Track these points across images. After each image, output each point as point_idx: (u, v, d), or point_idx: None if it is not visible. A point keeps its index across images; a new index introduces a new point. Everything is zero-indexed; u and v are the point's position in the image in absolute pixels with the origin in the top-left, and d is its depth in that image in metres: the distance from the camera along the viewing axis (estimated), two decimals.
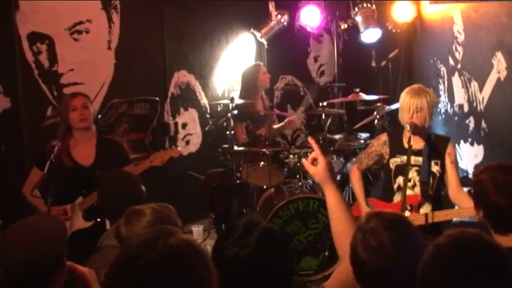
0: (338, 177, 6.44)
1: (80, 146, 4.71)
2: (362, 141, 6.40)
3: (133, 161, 5.10)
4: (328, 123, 6.31)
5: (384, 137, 4.80)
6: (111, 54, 6.37)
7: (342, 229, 2.67)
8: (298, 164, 5.98)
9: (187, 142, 7.18)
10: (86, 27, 6.11)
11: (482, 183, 2.87)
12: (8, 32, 5.57)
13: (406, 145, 4.52)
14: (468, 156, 6.53)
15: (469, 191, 4.36)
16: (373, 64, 7.97)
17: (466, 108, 6.56)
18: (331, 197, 2.75)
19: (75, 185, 4.61)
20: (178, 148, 5.19)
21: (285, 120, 6.74)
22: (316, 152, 2.80)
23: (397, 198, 4.58)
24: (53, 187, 4.29)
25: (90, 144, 4.75)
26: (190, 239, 1.95)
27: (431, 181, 4.53)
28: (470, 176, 6.45)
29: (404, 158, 4.52)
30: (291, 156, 6.04)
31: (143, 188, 3.73)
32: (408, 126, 4.38)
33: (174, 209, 2.99)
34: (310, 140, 2.95)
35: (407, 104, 4.46)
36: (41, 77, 5.84)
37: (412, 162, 4.46)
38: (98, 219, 4.53)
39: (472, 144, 6.47)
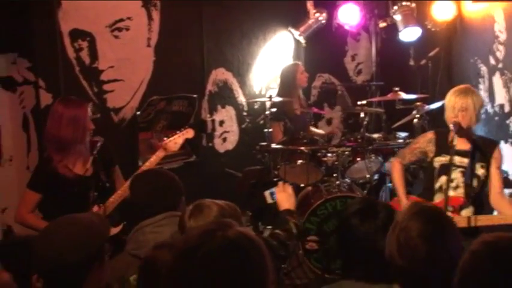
0: (376, 177, 6.41)
1: (74, 155, 4.43)
2: (401, 140, 6.36)
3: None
4: (366, 122, 6.27)
5: (430, 134, 4.74)
6: (151, 51, 6.41)
7: None
8: (336, 163, 5.96)
9: (224, 139, 7.20)
10: (126, 24, 6.15)
11: None
12: (50, 29, 5.63)
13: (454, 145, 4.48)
14: (508, 157, 6.43)
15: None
16: (412, 63, 7.89)
17: (507, 109, 6.47)
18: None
19: (83, 196, 4.33)
20: (191, 129, 4.88)
21: (327, 132, 6.75)
22: None
23: (438, 198, 4.53)
24: (95, 184, 4.33)
25: (83, 151, 4.47)
26: (248, 231, 1.97)
27: (475, 184, 4.47)
28: (510, 177, 6.37)
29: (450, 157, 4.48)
30: (329, 154, 6.03)
31: (180, 182, 3.66)
32: (452, 125, 4.33)
33: (239, 209, 2.99)
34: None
35: (452, 103, 4.41)
36: (81, 73, 5.90)
37: (457, 163, 4.40)
38: (124, 223, 4.46)
39: None
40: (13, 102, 5.61)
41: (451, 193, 4.39)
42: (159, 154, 4.65)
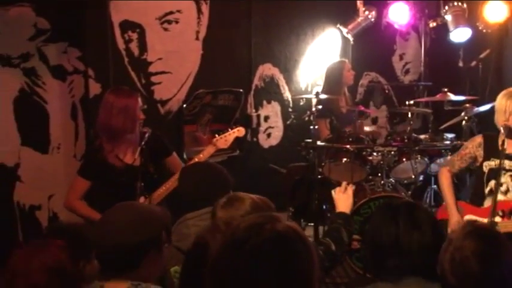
0: (421, 178, 6.34)
1: (124, 145, 4.48)
2: (448, 142, 6.26)
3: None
4: (412, 122, 6.21)
5: (479, 138, 4.66)
6: (199, 44, 6.43)
7: None
8: (382, 162, 5.91)
9: (269, 135, 7.19)
10: (176, 17, 6.19)
11: None
12: (101, 20, 5.69)
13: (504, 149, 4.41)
14: None
15: None
16: (461, 64, 7.80)
17: None
18: None
19: (130, 185, 4.35)
20: (242, 128, 4.90)
21: (372, 130, 6.71)
22: None
23: (488, 202, 4.45)
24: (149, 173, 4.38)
25: (134, 142, 4.49)
26: (296, 226, 1.96)
27: None
28: None
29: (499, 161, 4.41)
30: (374, 153, 5.99)
31: (230, 177, 3.67)
32: (502, 129, 4.25)
33: (273, 204, 2.98)
34: None
35: (503, 106, 4.32)
36: (130, 64, 5.94)
37: (507, 167, 4.31)
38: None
39: None
40: (62, 91, 5.67)
41: (501, 197, 4.32)
42: (209, 150, 4.68)
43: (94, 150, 4.51)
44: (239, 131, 4.82)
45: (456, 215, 4.52)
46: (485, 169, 4.49)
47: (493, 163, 4.44)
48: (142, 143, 4.36)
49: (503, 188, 4.36)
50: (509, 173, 4.38)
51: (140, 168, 4.33)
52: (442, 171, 4.82)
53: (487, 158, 4.49)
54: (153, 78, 6.12)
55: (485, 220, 4.25)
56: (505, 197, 4.38)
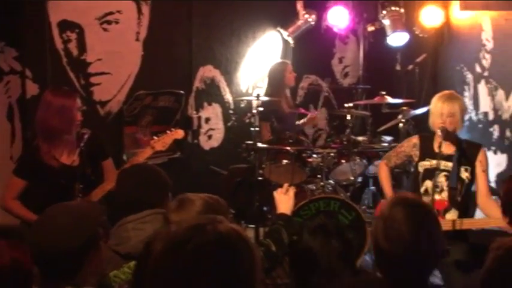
0: (359, 179, 6.45)
1: (62, 146, 4.44)
2: (386, 144, 6.40)
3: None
4: (351, 125, 6.31)
5: (414, 139, 4.80)
6: (139, 45, 6.39)
7: None
8: (321, 164, 5.98)
9: (210, 137, 7.19)
10: (116, 17, 6.13)
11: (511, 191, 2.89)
12: (39, 19, 5.60)
13: (436, 149, 4.54)
14: (491, 164, 6.47)
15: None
16: (398, 68, 7.94)
17: (491, 116, 6.53)
18: None
19: (69, 187, 4.33)
20: (181, 130, 4.88)
21: (307, 117, 6.77)
22: None
23: None
24: (81, 175, 4.32)
25: (71, 142, 4.47)
26: (239, 228, 1.97)
27: (459, 187, 4.52)
28: (492, 184, 6.43)
29: (434, 162, 4.53)
30: (314, 155, 6.06)
31: (168, 178, 3.64)
32: (439, 131, 4.37)
33: (224, 202, 2.98)
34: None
35: (439, 109, 4.44)
36: (69, 65, 5.87)
37: (442, 167, 4.45)
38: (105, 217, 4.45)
39: (495, 152, 6.45)
40: None
41: (436, 197, 4.45)
42: (147, 152, 4.63)
43: (30, 150, 4.46)
44: (177, 133, 4.79)
45: None
46: (421, 169, 4.63)
47: (428, 163, 4.59)
48: (82, 144, 4.31)
49: (438, 188, 4.49)
50: (443, 173, 4.51)
51: (78, 169, 4.29)
52: (380, 165, 4.98)
53: (422, 158, 4.64)
54: (93, 79, 6.06)
55: None
56: (440, 197, 4.51)
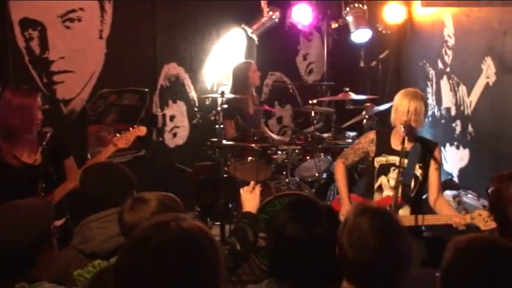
0: (324, 176, 6.49)
1: (22, 144, 4.38)
2: (350, 140, 6.45)
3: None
4: (316, 121, 6.34)
5: (371, 134, 4.82)
6: (103, 43, 6.35)
7: None
8: (286, 161, 6.00)
9: (175, 135, 7.18)
10: (78, 15, 6.09)
11: (500, 194, 2.91)
12: (1, 17, 5.53)
13: (393, 145, 4.60)
14: (453, 159, 6.59)
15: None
16: (362, 64, 8.02)
17: (453, 112, 6.62)
18: None
19: (31, 186, 4.25)
20: (143, 127, 4.80)
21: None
22: None
23: (377, 197, 4.63)
24: (48, 173, 4.28)
25: (31, 141, 4.41)
26: (202, 224, 1.98)
27: (413, 184, 4.56)
28: (455, 179, 6.53)
29: (390, 157, 4.57)
30: (279, 152, 6.07)
31: (133, 176, 3.63)
32: (402, 127, 4.39)
33: (180, 200, 2.98)
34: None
35: (405, 106, 4.44)
36: (31, 63, 5.81)
37: (396, 163, 4.45)
38: (68, 216, 4.43)
39: (457, 147, 6.54)
40: None
41: (389, 192, 4.50)
42: (109, 150, 4.58)
43: None
44: (140, 130, 4.74)
45: (347, 205, 4.66)
46: (376, 164, 4.66)
47: (383, 159, 4.63)
48: (44, 142, 4.27)
49: (391, 184, 4.52)
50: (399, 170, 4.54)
51: (40, 168, 4.25)
52: (336, 163, 4.97)
53: (378, 153, 4.67)
54: (55, 77, 6.00)
55: None
56: (391, 193, 4.52)
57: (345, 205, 4.69)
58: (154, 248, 1.83)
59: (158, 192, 2.96)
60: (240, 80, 6.72)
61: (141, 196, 2.91)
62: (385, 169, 4.60)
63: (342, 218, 4.60)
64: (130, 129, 4.70)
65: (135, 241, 1.90)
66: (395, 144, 4.56)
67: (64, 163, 4.55)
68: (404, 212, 4.51)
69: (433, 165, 4.59)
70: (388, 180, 4.58)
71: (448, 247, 2.12)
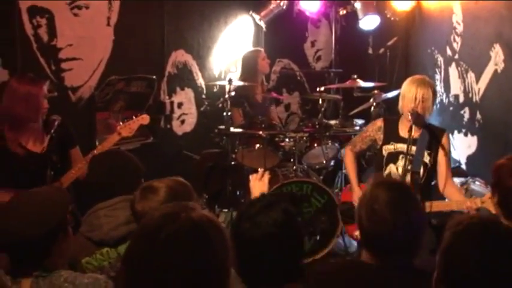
0: (332, 163, 6.49)
1: (28, 133, 4.40)
2: (358, 127, 6.45)
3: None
4: (323, 109, 6.34)
5: (379, 122, 4.81)
6: (110, 30, 6.34)
7: None
8: (294, 148, 6.01)
9: (183, 122, 7.18)
10: (86, 2, 6.07)
11: (501, 169, 2.97)
12: (9, 5, 5.54)
13: (401, 133, 4.58)
14: (461, 146, 6.58)
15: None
16: (370, 51, 7.99)
17: (461, 99, 6.60)
18: None
19: (40, 174, 4.30)
20: (146, 115, 4.84)
21: None
22: None
23: None
24: (53, 162, 4.29)
25: (37, 130, 4.44)
26: (211, 215, 1.99)
27: (422, 171, 4.55)
28: (463, 166, 6.52)
29: (398, 145, 4.57)
30: (287, 139, 6.08)
31: (140, 164, 3.64)
32: (410, 115, 4.38)
33: (190, 185, 2.99)
34: None
35: (412, 94, 4.43)
36: (39, 50, 5.80)
37: (405, 151, 4.45)
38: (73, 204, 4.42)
39: (466, 135, 6.52)
40: None
41: None
42: (114, 138, 4.60)
43: None
44: (143, 119, 4.77)
45: (358, 192, 4.71)
46: (385, 153, 4.65)
47: (392, 147, 4.62)
48: (52, 131, 4.28)
49: (400, 172, 4.51)
50: (408, 157, 4.54)
51: (47, 156, 4.26)
52: (345, 150, 5.00)
53: (386, 141, 4.66)
54: (64, 65, 6.00)
55: None
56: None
57: (356, 192, 4.74)
58: (164, 239, 1.84)
59: (168, 178, 2.98)
60: (250, 68, 6.72)
61: (151, 184, 2.93)
62: (393, 157, 4.60)
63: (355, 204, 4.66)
64: (134, 117, 4.72)
65: (145, 232, 1.92)
66: (404, 131, 4.55)
67: (70, 152, 4.57)
68: None
69: (441, 152, 4.58)
70: (397, 168, 4.58)
71: (448, 227, 2.14)
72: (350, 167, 4.88)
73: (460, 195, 4.51)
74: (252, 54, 6.84)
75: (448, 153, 4.62)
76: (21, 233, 2.43)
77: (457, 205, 4.31)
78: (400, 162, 4.54)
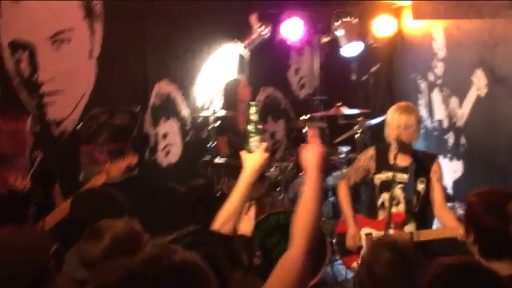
0: None
1: (14, 169, 4.35)
2: (343, 155, 6.43)
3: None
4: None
5: (371, 151, 4.80)
6: (93, 63, 6.32)
7: (309, 211, 2.56)
8: (279, 177, 5.98)
9: (167, 153, 7.13)
10: (68, 36, 6.06)
11: (474, 206, 2.87)
12: None
13: (392, 162, 4.56)
14: (447, 171, 6.56)
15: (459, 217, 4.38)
16: (354, 78, 8.00)
17: (445, 124, 6.62)
18: (315, 186, 2.64)
19: (22, 212, 4.18)
20: (135, 156, 4.89)
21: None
22: (313, 140, 2.74)
23: (382, 215, 4.60)
24: (35, 200, 4.23)
25: (23, 165, 4.38)
26: (194, 257, 1.94)
27: (415, 199, 4.54)
28: (449, 191, 6.51)
29: (390, 174, 4.53)
30: (272, 169, 6.05)
31: (124, 202, 3.59)
32: (395, 143, 4.37)
33: (140, 226, 2.93)
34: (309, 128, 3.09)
35: (396, 121, 4.45)
36: (21, 85, 5.77)
37: (398, 180, 4.45)
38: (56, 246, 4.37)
39: (451, 159, 6.53)
40: None
41: (393, 209, 4.46)
42: (102, 178, 4.56)
43: None
44: (131, 159, 4.80)
45: (353, 228, 4.66)
46: (377, 182, 4.64)
47: (383, 176, 4.60)
48: (34, 167, 4.23)
49: (395, 201, 4.50)
50: (400, 185, 4.53)
51: (30, 194, 4.21)
52: (339, 184, 4.95)
53: (378, 170, 4.65)
54: (46, 99, 5.97)
55: (381, 232, 4.38)
56: (396, 209, 4.52)
57: (351, 227, 4.70)
58: (148, 284, 1.80)
59: (122, 221, 2.90)
60: (230, 97, 6.71)
61: (98, 227, 2.86)
62: (387, 186, 4.57)
63: (348, 239, 4.62)
64: (123, 157, 4.72)
65: (128, 277, 1.87)
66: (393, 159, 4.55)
67: (52, 189, 4.52)
68: (409, 228, 4.50)
69: (434, 178, 4.58)
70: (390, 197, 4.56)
71: (430, 268, 2.12)
72: (344, 201, 4.84)
73: (454, 222, 4.49)
74: (232, 83, 6.85)
75: (440, 179, 4.62)
76: (3, 282, 2.38)
77: (450, 232, 4.29)
78: (394, 191, 4.52)
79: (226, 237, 2.90)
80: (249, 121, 3.11)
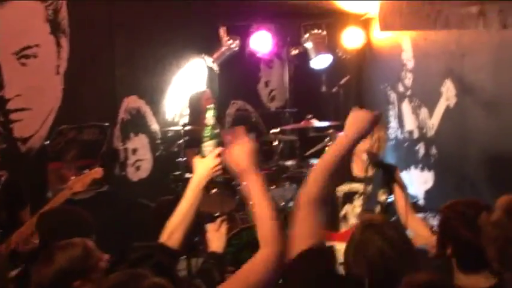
0: (290, 204, 6.42)
1: None
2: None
3: None
4: (279, 150, 6.31)
5: None
6: (60, 79, 6.25)
7: (266, 215, 2.51)
8: None
9: (138, 168, 7.06)
10: (34, 51, 5.99)
11: (450, 219, 2.84)
12: None
13: (356, 173, 4.55)
14: (418, 182, 6.59)
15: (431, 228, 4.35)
16: (324, 90, 8.01)
17: (416, 135, 6.64)
18: (259, 184, 2.61)
19: None
20: (99, 168, 4.81)
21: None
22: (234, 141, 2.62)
23: (343, 227, 4.59)
24: None
25: None
26: (162, 281, 1.90)
27: (377, 210, 4.52)
28: (421, 201, 6.53)
29: (352, 185, 4.56)
30: (244, 182, 5.99)
31: (91, 219, 3.52)
32: (366, 155, 4.36)
33: (93, 244, 2.87)
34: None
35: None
36: None
37: (360, 191, 4.44)
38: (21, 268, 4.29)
39: (422, 170, 6.55)
40: None
41: (355, 221, 4.46)
42: (65, 194, 4.49)
43: None
44: (96, 172, 4.72)
45: None
46: (339, 194, 4.61)
47: (346, 188, 4.59)
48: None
49: (356, 212, 4.49)
50: (362, 196, 4.51)
51: None
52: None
53: None
54: (12, 116, 5.88)
55: (343, 245, 4.34)
56: (357, 221, 4.49)
57: None
58: None
59: (76, 241, 2.83)
60: (195, 110, 6.66)
61: (49, 251, 2.79)
62: (348, 197, 4.56)
63: None
64: (86, 171, 4.62)
65: None
66: (357, 171, 4.54)
67: (20, 213, 4.41)
68: None
69: (397, 187, 4.56)
70: (352, 209, 4.55)
71: (403, 284, 2.10)
72: None
73: (424, 229, 4.46)
74: (196, 96, 6.81)
75: (403, 187, 4.60)
76: None
77: (422, 240, 4.26)
78: (356, 202, 4.52)
79: (170, 250, 2.80)
80: (205, 125, 3.01)
